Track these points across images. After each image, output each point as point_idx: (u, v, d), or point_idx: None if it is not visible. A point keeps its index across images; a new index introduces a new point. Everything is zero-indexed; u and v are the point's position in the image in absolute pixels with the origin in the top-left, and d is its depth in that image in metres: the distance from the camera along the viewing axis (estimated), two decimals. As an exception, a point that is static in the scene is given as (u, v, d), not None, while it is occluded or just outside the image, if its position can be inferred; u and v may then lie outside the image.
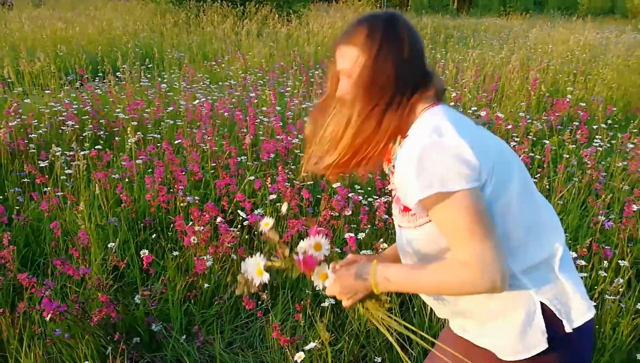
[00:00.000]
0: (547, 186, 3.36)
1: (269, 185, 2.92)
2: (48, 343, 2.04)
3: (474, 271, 1.00)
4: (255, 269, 1.11)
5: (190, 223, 2.63)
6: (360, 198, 3.09)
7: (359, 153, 1.12)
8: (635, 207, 2.88)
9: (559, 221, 1.21)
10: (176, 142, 3.83)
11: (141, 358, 2.19)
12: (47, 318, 1.97)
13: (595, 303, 2.21)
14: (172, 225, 2.97)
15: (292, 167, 3.62)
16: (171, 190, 3.11)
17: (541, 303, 1.08)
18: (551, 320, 1.08)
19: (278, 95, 5.55)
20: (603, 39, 10.23)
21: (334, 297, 1.17)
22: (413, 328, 1.15)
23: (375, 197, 3.18)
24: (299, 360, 1.80)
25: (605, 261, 2.47)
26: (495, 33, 12.97)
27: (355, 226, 2.85)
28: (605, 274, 2.38)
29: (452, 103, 5.35)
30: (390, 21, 1.11)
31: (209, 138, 3.87)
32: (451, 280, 1.03)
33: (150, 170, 3.60)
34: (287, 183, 3.00)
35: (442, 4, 30.51)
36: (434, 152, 1.01)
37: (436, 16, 21.61)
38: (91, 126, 4.35)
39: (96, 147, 3.75)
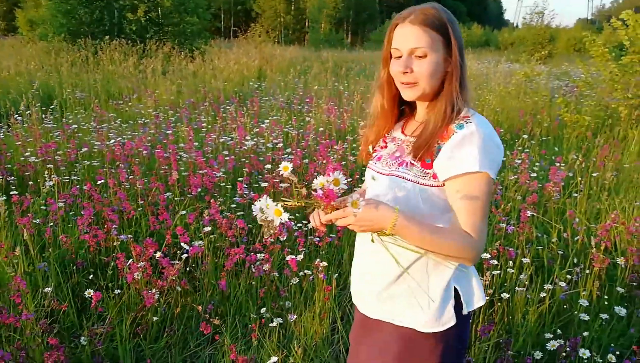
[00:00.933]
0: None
1: (206, 217, 3.01)
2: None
3: (474, 242, 1.22)
4: (273, 211, 1.16)
5: (130, 260, 2.64)
6: (292, 223, 3.27)
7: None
8: (529, 213, 3.34)
9: None
10: (99, 182, 3.78)
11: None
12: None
13: (508, 295, 2.56)
14: (106, 265, 2.96)
15: (220, 200, 3.72)
16: (101, 231, 3.08)
17: (455, 288, 1.33)
18: (458, 303, 1.33)
19: (194, 131, 5.61)
20: (484, 68, 11.41)
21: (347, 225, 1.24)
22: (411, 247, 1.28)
23: (305, 222, 3.37)
24: (261, 375, 1.92)
25: (511, 261, 2.86)
26: (390, 65, 13.93)
27: (289, 250, 3.02)
28: (513, 271, 2.76)
29: (362, 132, 5.74)
30: (449, 12, 1.29)
31: (133, 176, 3.87)
32: (455, 243, 1.22)
33: (73, 213, 3.53)
34: (220, 214, 3.10)
35: (337, 38, 32.00)
36: (491, 143, 1.23)
37: (333, 50, 22.70)
38: (-1, 172, 4.14)
39: (11, 193, 3.60)
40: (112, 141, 4.99)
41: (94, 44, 12.64)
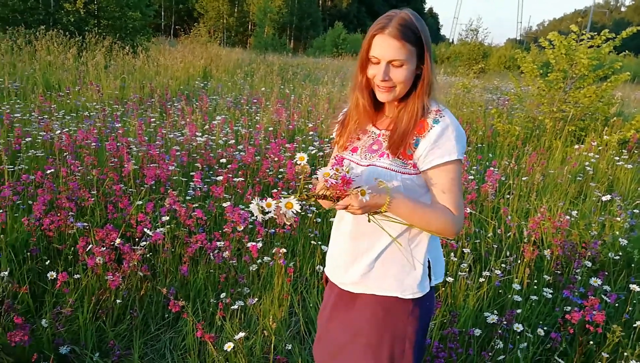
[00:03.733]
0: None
1: (167, 205, 3.06)
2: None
3: (455, 217, 1.39)
4: (285, 203, 1.26)
5: (91, 245, 2.66)
6: (249, 214, 3.38)
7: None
8: (468, 210, 3.64)
9: None
10: (48, 172, 3.72)
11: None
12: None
13: (452, 279, 2.81)
14: (59, 253, 2.95)
15: (174, 192, 3.76)
16: (57, 217, 3.05)
17: (428, 259, 1.52)
18: (429, 274, 1.52)
19: (145, 125, 5.57)
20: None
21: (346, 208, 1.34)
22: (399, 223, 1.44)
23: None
24: (228, 349, 2.02)
25: (452, 253, 3.12)
26: (334, 72, 14.25)
27: (249, 238, 3.13)
28: (455, 259, 3.02)
29: (311, 133, 5.94)
30: (421, 18, 1.43)
31: (84, 167, 3.83)
32: (442, 219, 1.38)
33: (20, 201, 3.45)
34: (181, 204, 3.16)
35: (280, 43, 32.13)
36: (461, 133, 1.41)
37: (276, 55, 22.82)
38: None
39: (-47, 179, 3.47)
40: (58, 132, 4.87)
41: (27, 33, 12.06)
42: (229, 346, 2.07)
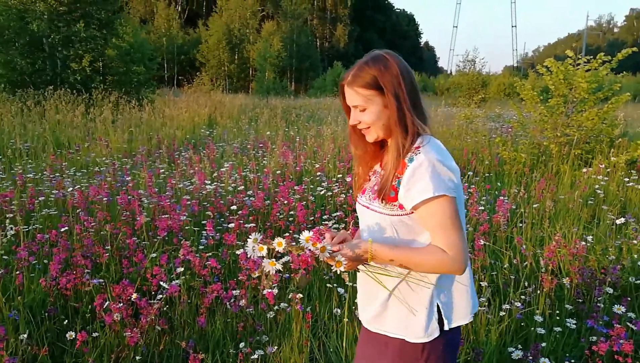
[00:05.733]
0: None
1: (181, 256, 3.07)
2: None
3: (448, 256, 1.36)
4: (268, 263, 1.35)
5: (107, 302, 2.66)
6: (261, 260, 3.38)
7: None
8: (482, 242, 3.62)
9: None
10: (62, 230, 3.75)
11: None
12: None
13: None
14: (76, 311, 2.95)
15: (187, 242, 3.77)
16: (73, 275, 3.06)
17: (437, 305, 1.50)
18: (440, 318, 1.50)
19: (154, 176, 5.65)
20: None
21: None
22: (392, 272, 1.47)
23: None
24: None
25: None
26: (337, 111, 14.46)
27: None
28: (473, 294, 2.99)
29: (318, 174, 5.98)
30: (394, 57, 1.44)
31: (97, 223, 3.87)
32: (432, 260, 1.37)
33: (36, 261, 3.47)
34: (195, 254, 3.17)
35: (281, 86, 32.72)
36: (441, 168, 1.37)
37: (279, 98, 23.22)
38: (-49, 223, 4.02)
39: (-31, 244, 3.51)
40: (70, 189, 4.94)
41: (35, 94, 12.40)
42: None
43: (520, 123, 8.12)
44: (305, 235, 1.40)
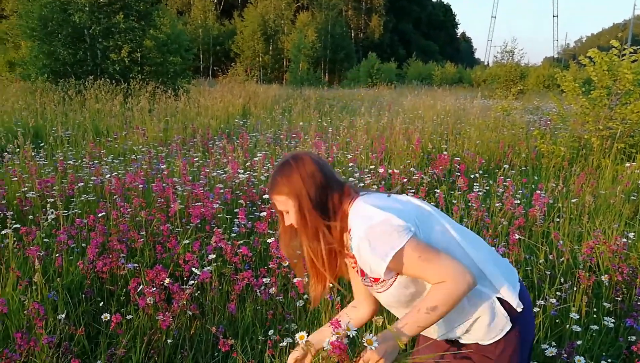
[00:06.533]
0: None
1: (213, 243, 3.11)
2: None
3: (448, 284, 1.35)
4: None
5: (141, 286, 2.72)
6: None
7: (330, 263, 1.51)
8: (517, 236, 3.53)
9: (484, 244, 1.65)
10: (100, 215, 3.86)
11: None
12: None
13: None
14: (111, 294, 3.03)
15: (220, 230, 3.82)
16: (109, 259, 3.15)
17: (497, 298, 1.49)
18: (506, 307, 1.49)
19: (189, 165, 5.74)
20: (461, 104, 11.90)
21: None
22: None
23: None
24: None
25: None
26: (370, 102, 14.36)
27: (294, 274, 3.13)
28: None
29: (350, 164, 5.96)
30: (299, 162, 1.48)
31: (133, 209, 3.96)
32: (441, 298, 1.35)
33: (75, 245, 3.58)
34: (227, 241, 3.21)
35: (315, 77, 32.68)
36: (373, 232, 1.38)
37: (312, 89, 23.21)
38: (-5, 208, 4.19)
39: (13, 226, 3.65)
40: (108, 176, 5.07)
41: (77, 84, 12.78)
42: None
43: (560, 115, 7.87)
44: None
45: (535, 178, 6.12)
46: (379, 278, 1.45)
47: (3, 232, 3.36)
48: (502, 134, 8.38)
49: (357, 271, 1.54)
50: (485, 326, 1.49)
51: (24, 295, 2.77)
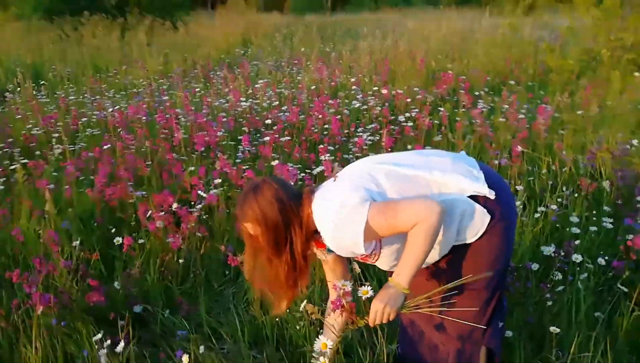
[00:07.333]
0: (452, 142, 3.96)
1: (218, 167, 3.16)
2: (46, 334, 2.13)
3: (420, 222, 1.47)
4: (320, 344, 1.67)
5: (150, 211, 2.80)
6: (297, 171, 3.43)
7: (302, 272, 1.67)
8: (519, 148, 3.53)
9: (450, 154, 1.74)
10: (105, 147, 3.90)
11: (133, 337, 2.35)
12: (39, 312, 2.07)
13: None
14: (121, 221, 3.12)
15: (224, 156, 3.86)
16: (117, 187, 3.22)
17: (468, 197, 1.57)
18: (481, 200, 1.57)
19: (190, 96, 5.71)
20: (468, 24, 11.46)
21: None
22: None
23: (308, 171, 3.52)
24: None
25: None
26: (373, 25, 13.91)
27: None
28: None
29: (353, 88, 5.88)
30: (257, 192, 1.59)
31: (137, 140, 4.00)
32: (422, 238, 1.48)
33: (83, 177, 3.64)
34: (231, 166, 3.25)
35: (317, 3, 31.51)
36: (336, 225, 1.54)
37: (314, 15, 22.49)
38: (3, 144, 4.24)
39: (21, 161, 3.71)
40: (110, 110, 5.08)
41: (73, 21, 12.45)
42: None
43: (570, 29, 7.58)
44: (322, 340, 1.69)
45: (541, 93, 6.01)
46: (367, 256, 1.64)
47: (12, 167, 3.42)
48: (509, 52, 8.14)
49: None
50: (469, 226, 1.57)
51: (38, 224, 2.86)
